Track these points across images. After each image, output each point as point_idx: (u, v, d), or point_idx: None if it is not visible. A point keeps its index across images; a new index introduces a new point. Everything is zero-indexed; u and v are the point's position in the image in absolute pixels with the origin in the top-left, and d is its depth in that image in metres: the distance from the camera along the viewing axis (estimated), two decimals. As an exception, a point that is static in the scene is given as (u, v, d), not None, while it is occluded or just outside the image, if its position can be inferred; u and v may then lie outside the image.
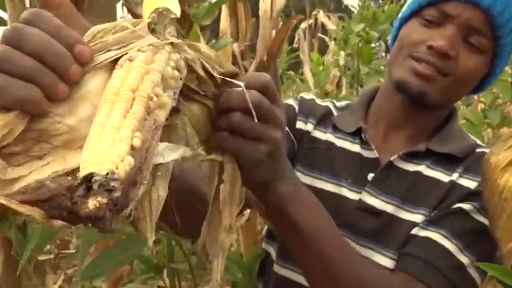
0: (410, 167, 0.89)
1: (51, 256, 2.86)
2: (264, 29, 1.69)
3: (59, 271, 2.89)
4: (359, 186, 0.89)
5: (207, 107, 0.52)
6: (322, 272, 0.66)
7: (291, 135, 0.94)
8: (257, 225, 1.89)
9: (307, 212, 0.63)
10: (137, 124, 0.39)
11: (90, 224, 0.33)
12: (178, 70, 0.47)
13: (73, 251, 3.16)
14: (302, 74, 3.87)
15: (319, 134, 0.96)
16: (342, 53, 2.75)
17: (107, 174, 0.33)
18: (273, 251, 0.96)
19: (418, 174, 0.88)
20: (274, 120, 0.55)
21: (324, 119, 0.97)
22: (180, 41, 0.48)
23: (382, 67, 2.63)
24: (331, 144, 0.94)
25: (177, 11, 0.49)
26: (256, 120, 0.52)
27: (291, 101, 1.00)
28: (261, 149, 0.54)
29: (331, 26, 3.87)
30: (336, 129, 0.96)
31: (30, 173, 0.37)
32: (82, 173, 0.34)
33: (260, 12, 1.75)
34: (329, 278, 0.66)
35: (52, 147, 0.39)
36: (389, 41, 0.99)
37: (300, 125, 0.96)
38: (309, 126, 0.96)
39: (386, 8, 2.50)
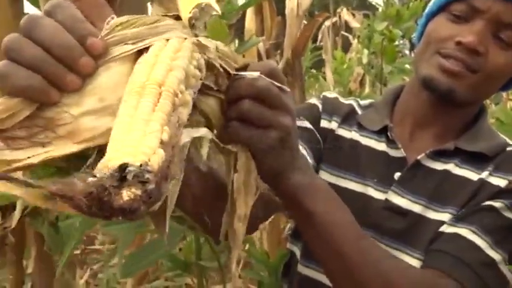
0: (438, 166, 0.87)
1: (78, 252, 2.91)
2: (290, 27, 1.68)
3: (85, 266, 2.94)
4: (385, 186, 0.88)
5: (221, 100, 0.52)
6: (338, 264, 0.64)
7: (317, 134, 0.93)
8: (281, 224, 1.90)
9: (320, 201, 0.61)
10: (166, 118, 0.38)
11: (120, 217, 0.31)
12: (200, 70, 0.47)
13: (99, 246, 3.22)
14: (325, 72, 3.85)
15: (343, 132, 0.95)
16: (366, 51, 2.72)
17: (141, 165, 0.32)
18: (297, 251, 0.96)
19: (447, 173, 0.86)
20: (283, 106, 0.54)
21: (348, 117, 0.96)
22: (203, 38, 0.48)
23: (407, 65, 2.59)
24: (356, 142, 0.93)
25: (217, 7, 0.49)
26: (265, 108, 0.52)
27: (314, 100, 1.00)
28: (271, 135, 0.53)
29: (354, 24, 3.83)
30: (360, 127, 0.95)
31: (28, 158, 0.38)
32: (114, 163, 0.33)
33: (287, 11, 1.74)
34: (346, 273, 0.64)
35: (56, 136, 0.39)
36: (414, 38, 0.98)
37: (324, 123, 0.96)
38: (333, 125, 0.95)
39: (410, 5, 2.46)
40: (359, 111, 0.98)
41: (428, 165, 0.88)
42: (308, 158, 0.89)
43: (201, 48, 0.48)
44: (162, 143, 0.36)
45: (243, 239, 0.55)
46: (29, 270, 0.97)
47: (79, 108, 0.40)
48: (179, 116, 0.41)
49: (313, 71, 4.23)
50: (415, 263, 0.82)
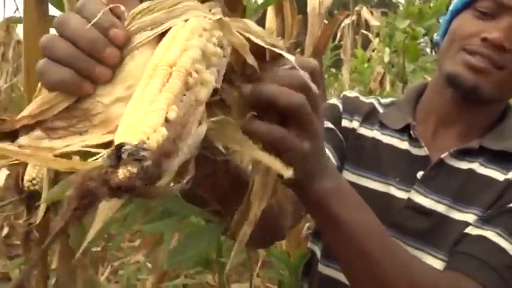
0: (463, 165, 0.86)
1: (98, 249, 2.95)
2: (312, 26, 1.67)
3: (105, 263, 2.98)
4: (407, 185, 0.87)
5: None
6: (364, 268, 0.63)
7: (339, 134, 0.93)
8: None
9: (348, 207, 0.60)
10: (173, 98, 0.39)
11: (123, 195, 0.32)
12: (221, 47, 0.46)
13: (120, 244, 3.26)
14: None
15: (365, 131, 0.94)
16: (387, 50, 2.68)
17: (137, 144, 0.33)
18: (318, 250, 0.96)
19: (471, 172, 0.85)
20: (310, 127, 0.50)
21: (369, 116, 0.95)
22: (222, 17, 0.47)
23: (428, 64, 2.55)
24: (378, 141, 0.92)
25: None
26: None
27: (334, 101, 0.99)
28: (305, 144, 0.50)
29: (374, 22, 3.80)
30: (382, 126, 0.94)
31: (66, 146, 0.40)
32: (115, 143, 0.34)
33: (308, 9, 1.73)
34: (372, 275, 0.64)
35: (92, 125, 0.41)
36: (437, 36, 0.97)
37: (345, 123, 0.95)
38: (355, 124, 0.95)
39: (432, 3, 2.42)
40: (380, 110, 0.97)
41: (452, 164, 0.87)
42: (332, 158, 0.89)
43: (223, 27, 0.47)
44: (167, 121, 0.37)
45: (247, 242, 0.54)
46: (53, 266, 0.99)
47: (109, 98, 0.42)
48: (196, 94, 0.41)
49: (333, 70, 4.21)
50: (438, 263, 0.81)
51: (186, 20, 0.45)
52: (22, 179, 0.80)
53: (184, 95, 0.40)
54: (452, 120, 0.89)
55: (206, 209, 0.62)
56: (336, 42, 3.74)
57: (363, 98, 0.99)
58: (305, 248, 1.11)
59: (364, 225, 0.62)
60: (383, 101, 1.00)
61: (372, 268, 0.63)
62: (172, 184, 0.37)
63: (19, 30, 4.06)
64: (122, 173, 0.32)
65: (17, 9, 4.02)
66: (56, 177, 0.78)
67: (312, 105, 0.49)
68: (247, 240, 0.57)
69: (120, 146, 0.33)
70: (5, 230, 3.49)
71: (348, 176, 0.91)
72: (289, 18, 1.77)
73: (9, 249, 3.21)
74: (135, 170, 0.32)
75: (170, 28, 0.45)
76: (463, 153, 0.87)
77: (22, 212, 3.01)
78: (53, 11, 0.84)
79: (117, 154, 0.33)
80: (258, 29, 0.49)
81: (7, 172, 0.83)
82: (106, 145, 0.39)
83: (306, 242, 1.31)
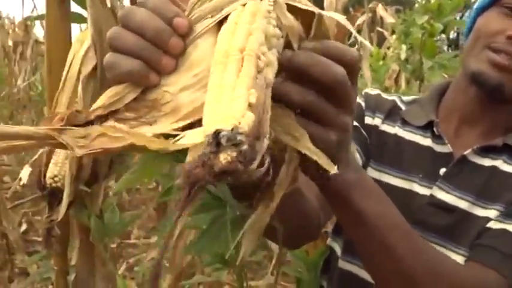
0: (486, 162, 0.86)
1: (114, 245, 2.99)
2: (329, 21, 1.66)
3: (121, 260, 3.02)
4: (430, 181, 0.87)
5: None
6: (386, 262, 0.63)
7: (363, 131, 0.93)
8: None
9: (371, 200, 0.60)
10: (251, 82, 0.40)
11: (227, 179, 0.34)
12: (280, 28, 0.46)
13: (135, 240, 3.30)
14: (360, 68, 3.77)
15: (387, 128, 0.94)
16: (404, 47, 2.65)
17: (232, 129, 0.35)
18: (337, 247, 0.96)
19: (494, 169, 0.85)
20: (349, 104, 0.49)
21: (391, 113, 0.96)
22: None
23: (446, 61, 2.52)
24: (400, 138, 0.92)
25: None
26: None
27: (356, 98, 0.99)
28: (331, 137, 0.49)
29: (389, 19, 3.77)
30: (404, 123, 0.94)
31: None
32: (209, 131, 0.35)
33: (325, 5, 1.73)
34: (395, 269, 0.63)
35: (161, 115, 0.42)
36: (453, 34, 0.96)
37: (368, 120, 0.95)
38: (377, 121, 0.95)
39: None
40: (402, 107, 0.97)
41: (475, 161, 0.87)
42: (358, 156, 0.90)
43: (278, 8, 0.47)
44: (250, 105, 0.38)
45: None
46: (73, 262, 1.00)
47: (176, 87, 0.43)
48: (265, 76, 0.42)
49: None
50: (459, 259, 0.81)
51: (244, 4, 0.46)
52: (44, 176, 0.81)
53: (257, 78, 0.41)
54: (475, 119, 0.89)
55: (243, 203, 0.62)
56: (350, 39, 3.72)
57: (384, 95, 0.99)
58: (322, 245, 1.11)
59: (387, 218, 0.61)
60: (405, 98, 1.00)
61: (395, 262, 0.63)
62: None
63: (37, 29, 4.12)
64: (223, 158, 0.34)
65: (35, 7, 4.08)
66: (77, 174, 0.79)
67: (351, 80, 0.48)
68: (281, 240, 0.57)
69: (217, 132, 0.34)
70: (24, 226, 3.55)
71: (371, 172, 0.92)
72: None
73: (27, 245, 3.26)
74: (234, 154, 0.34)
75: (229, 14, 0.45)
76: (487, 151, 0.87)
77: (40, 209, 3.06)
78: (74, 7, 0.85)
79: (216, 140, 0.34)
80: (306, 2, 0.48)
81: (30, 169, 0.85)
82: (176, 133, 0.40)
83: (323, 240, 1.31)
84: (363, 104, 0.97)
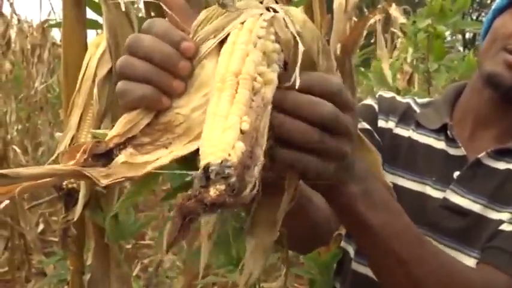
0: (500, 165, 0.85)
1: (129, 246, 3.01)
2: (338, 23, 1.65)
3: (135, 261, 3.04)
4: (443, 184, 0.87)
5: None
6: (395, 270, 0.63)
7: (375, 135, 0.92)
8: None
9: (376, 211, 0.59)
10: (244, 108, 0.40)
11: (217, 210, 0.36)
12: (279, 42, 0.46)
13: (149, 241, 3.32)
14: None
15: (401, 131, 0.94)
16: (410, 50, 2.62)
17: (221, 163, 0.36)
18: (351, 249, 0.96)
19: (509, 172, 0.84)
20: (346, 133, 0.48)
21: (406, 116, 0.95)
22: (275, 15, 0.47)
23: (456, 62, 2.48)
24: (414, 141, 0.92)
25: None
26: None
27: (369, 101, 0.99)
28: (328, 166, 0.48)
29: (402, 20, 3.73)
30: (418, 126, 0.93)
31: (157, 159, 0.42)
32: (201, 164, 0.37)
33: (334, 6, 1.71)
34: (403, 276, 0.63)
35: (175, 136, 0.44)
36: (470, 34, 0.95)
37: (381, 123, 0.95)
38: (390, 124, 0.94)
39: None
40: (417, 110, 0.96)
41: (489, 164, 0.86)
42: None
43: (276, 23, 0.47)
44: (242, 132, 0.39)
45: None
46: (88, 262, 1.01)
47: (188, 108, 0.44)
48: (263, 96, 0.43)
49: (362, 69, 4.15)
50: (472, 262, 0.81)
51: (242, 23, 0.46)
52: (60, 177, 0.83)
53: (253, 100, 0.42)
54: (490, 122, 0.88)
55: None
56: (364, 41, 3.68)
57: (399, 98, 0.99)
58: (335, 247, 1.10)
59: (393, 228, 0.61)
60: (420, 100, 0.99)
61: (402, 270, 0.63)
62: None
63: (54, 32, 4.18)
64: (212, 191, 0.35)
65: (52, 10, 4.14)
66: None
67: (344, 108, 0.48)
68: (292, 246, 0.56)
69: (207, 166, 0.36)
70: (41, 227, 3.60)
71: (385, 175, 0.91)
72: (318, 17, 1.75)
73: (44, 245, 3.30)
74: (223, 187, 0.35)
75: (230, 33, 0.46)
76: (502, 154, 0.86)
77: (57, 210, 3.09)
78: (89, 14, 0.87)
79: (206, 175, 0.36)
80: (301, 18, 0.49)
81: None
82: (193, 153, 0.42)
83: (336, 241, 1.31)
84: (376, 107, 0.96)
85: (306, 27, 0.48)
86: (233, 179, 0.36)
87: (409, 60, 2.66)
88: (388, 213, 0.61)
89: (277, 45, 0.46)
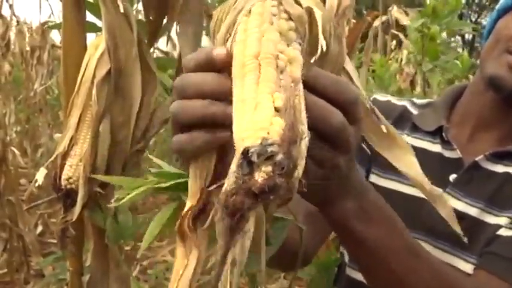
0: (498, 168, 0.84)
1: (128, 247, 3.00)
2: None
3: (134, 262, 3.03)
4: (439, 188, 0.86)
5: None
6: (389, 282, 0.62)
7: (363, 142, 0.92)
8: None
9: (372, 225, 0.57)
10: (273, 85, 0.37)
11: (272, 198, 0.31)
12: (292, 20, 0.43)
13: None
14: (373, 71, 3.76)
15: None
16: (405, 51, 2.63)
17: (261, 142, 0.32)
18: (346, 254, 0.95)
19: (507, 175, 0.83)
20: (347, 148, 0.46)
21: (401, 119, 0.94)
22: None
23: (452, 61, 2.48)
24: None
25: None
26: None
27: None
28: (318, 175, 0.46)
29: (405, 21, 3.73)
30: (414, 129, 0.92)
31: None
32: (238, 152, 0.33)
33: (326, 8, 1.71)
34: (397, 287, 0.62)
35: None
36: (470, 35, 0.94)
37: None
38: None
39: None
40: (414, 111, 0.95)
41: (487, 167, 0.85)
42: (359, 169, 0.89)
43: (283, 0, 0.44)
44: (277, 110, 0.35)
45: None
46: (88, 263, 1.01)
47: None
48: (290, 74, 0.39)
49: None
50: (469, 267, 0.80)
51: (250, 11, 0.43)
52: (60, 178, 0.83)
53: (281, 79, 0.38)
54: (491, 124, 0.87)
55: None
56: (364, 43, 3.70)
57: (394, 101, 0.97)
58: (334, 247, 1.10)
59: (386, 240, 0.60)
60: (419, 101, 0.98)
61: (391, 279, 0.62)
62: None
63: (53, 34, 4.19)
64: (259, 176, 0.31)
65: (52, 13, 4.15)
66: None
67: (351, 121, 0.45)
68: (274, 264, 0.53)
69: (246, 151, 0.32)
70: (39, 228, 3.60)
71: (378, 180, 0.90)
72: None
73: (43, 246, 3.30)
74: (270, 168, 0.31)
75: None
76: (500, 157, 0.84)
77: (56, 211, 3.08)
78: (89, 17, 0.87)
79: (247, 160, 0.32)
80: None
81: (45, 171, 0.87)
82: None
83: (334, 242, 1.31)
84: None
85: (317, 5, 0.44)
86: (279, 157, 0.31)
87: (404, 61, 2.67)
88: (383, 227, 0.60)
89: (291, 23, 0.42)
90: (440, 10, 2.14)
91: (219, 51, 0.43)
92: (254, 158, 0.31)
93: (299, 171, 0.33)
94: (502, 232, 0.78)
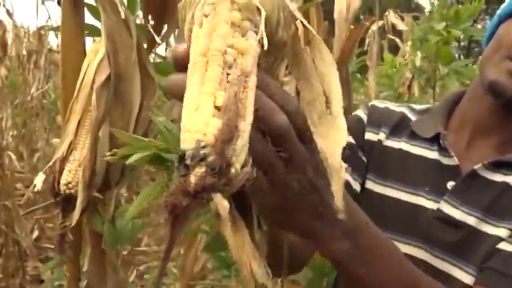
0: (497, 178, 0.83)
1: (125, 252, 2.99)
2: (339, 31, 1.66)
3: (131, 267, 3.02)
4: (437, 195, 0.85)
5: None
6: None
7: (358, 151, 0.91)
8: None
9: (367, 263, 0.56)
10: (215, 84, 0.38)
11: (206, 198, 0.33)
12: (247, 10, 0.43)
13: (145, 248, 3.31)
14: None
15: (392, 143, 0.92)
16: (419, 54, 2.63)
17: (195, 145, 0.34)
18: None
19: (506, 185, 0.81)
20: (296, 162, 0.44)
21: (399, 126, 0.93)
22: None
23: (461, 68, 2.48)
24: (406, 153, 0.90)
25: None
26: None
27: (360, 112, 0.97)
28: (270, 200, 0.44)
29: (402, 26, 3.76)
30: (411, 135, 0.91)
31: None
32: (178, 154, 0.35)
33: (335, 14, 1.72)
34: None
35: None
36: (466, 41, 0.94)
37: (369, 136, 0.93)
38: (381, 136, 0.93)
39: (465, 6, 2.35)
40: (412, 118, 0.94)
41: (485, 176, 0.83)
42: (351, 178, 0.89)
43: None
44: (218, 108, 0.37)
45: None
46: (85, 269, 1.01)
47: None
48: (240, 67, 0.40)
49: (358, 75, 4.17)
50: (466, 277, 0.79)
51: (205, 3, 0.43)
52: (58, 183, 0.83)
53: (228, 74, 0.39)
54: (489, 131, 0.86)
55: None
56: (364, 48, 3.71)
57: (393, 107, 0.96)
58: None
59: (382, 274, 0.59)
60: (418, 107, 0.97)
61: None
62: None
63: (50, 38, 4.18)
64: (193, 177, 0.33)
65: (49, 17, 4.14)
66: (90, 181, 0.81)
67: (301, 139, 0.44)
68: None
69: (183, 154, 0.34)
70: (35, 233, 3.58)
71: (374, 186, 0.90)
72: (315, 24, 1.77)
73: (39, 251, 3.28)
74: (203, 169, 0.33)
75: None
76: (499, 166, 0.83)
77: (53, 216, 3.06)
78: (88, 19, 0.87)
79: (184, 162, 0.34)
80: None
81: (44, 176, 0.86)
82: None
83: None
84: (365, 119, 0.95)
85: None
86: (210, 158, 0.33)
87: (417, 64, 2.66)
88: (381, 266, 0.59)
89: (245, 13, 0.43)
90: (462, 14, 2.15)
91: (179, 49, 0.43)
92: (188, 161, 0.33)
93: (236, 168, 0.35)
94: (503, 246, 0.77)
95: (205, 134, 0.35)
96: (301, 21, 0.47)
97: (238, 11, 0.42)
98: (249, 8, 0.43)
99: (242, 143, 0.36)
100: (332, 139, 0.47)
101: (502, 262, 0.75)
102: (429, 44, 2.28)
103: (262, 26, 0.42)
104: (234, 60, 0.40)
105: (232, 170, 0.35)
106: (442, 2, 2.21)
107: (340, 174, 0.45)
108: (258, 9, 0.43)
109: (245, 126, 0.37)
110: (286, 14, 0.46)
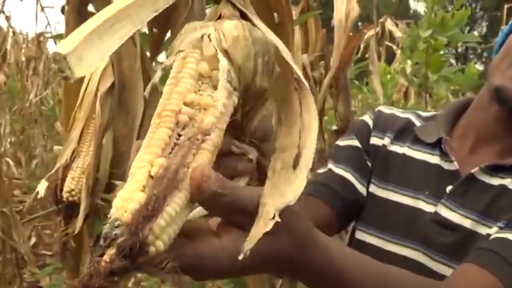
0: (494, 181, 0.84)
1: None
2: (338, 38, 1.68)
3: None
4: (436, 198, 0.86)
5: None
6: None
7: (364, 154, 0.93)
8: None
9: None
10: (157, 150, 0.37)
11: (120, 276, 0.32)
12: (215, 61, 0.41)
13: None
14: (367, 83, 3.79)
15: (395, 148, 0.93)
16: (409, 62, 2.66)
17: (111, 224, 0.33)
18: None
19: (503, 188, 0.83)
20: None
21: (403, 132, 0.94)
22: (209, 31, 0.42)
23: (451, 75, 2.51)
24: (408, 157, 0.91)
25: None
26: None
27: (366, 117, 0.99)
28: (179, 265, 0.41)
29: (398, 33, 3.79)
30: (415, 141, 0.92)
31: None
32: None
33: (334, 22, 1.74)
34: None
35: None
36: (463, 47, 0.96)
37: (374, 140, 0.95)
38: (386, 141, 0.94)
39: (453, 12, 2.38)
40: (417, 123, 0.95)
41: (483, 179, 0.85)
42: (354, 179, 0.91)
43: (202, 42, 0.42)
44: (152, 177, 0.35)
45: None
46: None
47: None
48: (199, 125, 0.38)
49: (356, 82, 4.19)
50: None
51: (177, 54, 0.42)
52: (60, 191, 0.83)
53: (180, 135, 0.38)
54: (493, 137, 0.87)
55: None
56: (360, 55, 3.74)
57: (399, 113, 0.98)
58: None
59: None
60: (425, 114, 0.98)
61: None
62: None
63: (49, 45, 4.19)
64: (104, 258, 0.32)
65: (48, 24, 4.15)
66: (93, 188, 0.81)
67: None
68: None
69: (99, 233, 0.33)
70: (33, 240, 3.57)
71: (376, 190, 0.91)
72: (313, 32, 1.78)
73: (37, 258, 3.27)
74: (113, 250, 0.32)
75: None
76: (496, 170, 0.84)
77: (50, 223, 3.05)
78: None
79: (99, 243, 0.33)
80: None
81: (46, 183, 0.87)
82: None
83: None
84: (371, 124, 0.96)
85: (237, 44, 0.42)
86: (121, 239, 0.32)
87: (408, 71, 2.69)
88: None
89: (212, 64, 0.41)
90: (448, 21, 2.17)
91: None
92: (101, 242, 0.32)
93: (158, 245, 0.33)
94: (494, 233, 0.78)
95: (126, 211, 0.33)
96: (293, 68, 0.45)
97: (206, 62, 0.41)
98: (213, 60, 0.41)
99: (168, 218, 0.34)
100: (281, 193, 0.44)
101: (490, 243, 0.75)
102: (418, 52, 2.30)
103: (222, 82, 0.40)
104: (191, 119, 0.38)
105: (152, 249, 0.33)
106: (429, 10, 2.22)
107: (266, 225, 0.41)
108: (230, 59, 0.41)
109: (180, 198, 0.35)
110: (268, 59, 0.44)
